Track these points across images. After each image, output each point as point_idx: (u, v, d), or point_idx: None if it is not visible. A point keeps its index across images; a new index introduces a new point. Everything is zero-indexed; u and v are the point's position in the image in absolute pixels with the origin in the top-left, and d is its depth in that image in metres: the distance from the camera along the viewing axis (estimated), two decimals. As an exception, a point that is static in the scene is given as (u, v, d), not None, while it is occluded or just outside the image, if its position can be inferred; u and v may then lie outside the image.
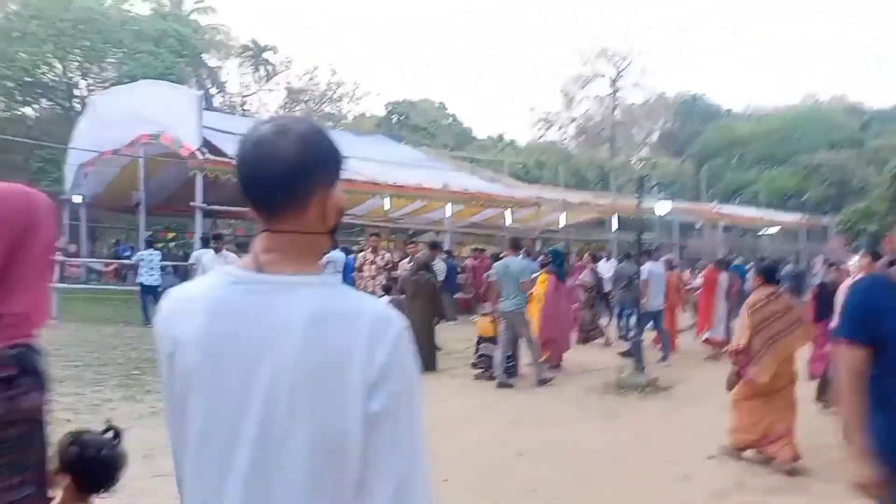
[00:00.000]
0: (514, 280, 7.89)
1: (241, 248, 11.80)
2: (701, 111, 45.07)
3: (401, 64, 75.39)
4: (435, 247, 12.32)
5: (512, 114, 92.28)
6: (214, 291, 1.13)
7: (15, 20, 25.92)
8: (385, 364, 1.07)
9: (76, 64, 27.61)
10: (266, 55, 36.59)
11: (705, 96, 47.49)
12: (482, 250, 16.94)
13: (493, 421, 6.46)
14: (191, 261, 12.43)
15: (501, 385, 7.81)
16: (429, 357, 8.27)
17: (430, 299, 8.60)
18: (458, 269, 15.15)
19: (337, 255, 11.94)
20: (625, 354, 9.50)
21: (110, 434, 1.76)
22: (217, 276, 1.16)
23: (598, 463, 5.31)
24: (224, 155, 13.92)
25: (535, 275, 8.78)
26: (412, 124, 36.84)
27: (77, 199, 19.74)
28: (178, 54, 28.21)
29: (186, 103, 14.28)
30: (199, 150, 13.55)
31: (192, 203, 13.41)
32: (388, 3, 76.17)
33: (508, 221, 20.06)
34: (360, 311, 1.11)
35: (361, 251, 11.36)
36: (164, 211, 19.09)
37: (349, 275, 10.83)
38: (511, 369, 8.25)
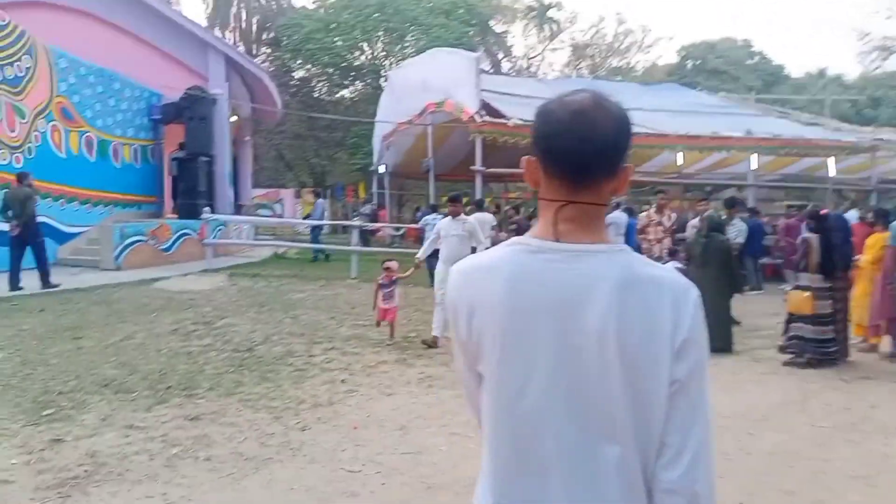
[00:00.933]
0: None
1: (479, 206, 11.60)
2: None
3: (696, 2, 68.66)
4: (733, 204, 10.56)
5: (836, 45, 78.37)
6: (515, 260, 1.16)
7: (332, 12, 29.32)
8: (689, 331, 1.11)
9: (381, 45, 30.31)
10: (550, 13, 36.10)
11: None
12: (800, 207, 14.31)
13: (806, 423, 5.03)
14: (419, 224, 12.74)
15: None
16: (722, 335, 6.99)
17: (722, 266, 7.25)
18: (766, 230, 13.00)
19: (618, 216, 11.03)
20: None
21: None
22: (511, 247, 1.19)
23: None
24: (503, 117, 13.76)
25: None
26: (710, 68, 33.17)
27: (381, 168, 21.70)
28: (467, 24, 29.23)
29: (465, 67, 14.39)
30: (477, 112, 13.57)
31: (471, 167, 13.52)
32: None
33: (832, 172, 16.75)
34: (661, 277, 1.14)
35: (644, 212, 10.27)
36: (451, 177, 19.89)
37: (632, 237, 9.89)
38: (835, 353, 6.65)
